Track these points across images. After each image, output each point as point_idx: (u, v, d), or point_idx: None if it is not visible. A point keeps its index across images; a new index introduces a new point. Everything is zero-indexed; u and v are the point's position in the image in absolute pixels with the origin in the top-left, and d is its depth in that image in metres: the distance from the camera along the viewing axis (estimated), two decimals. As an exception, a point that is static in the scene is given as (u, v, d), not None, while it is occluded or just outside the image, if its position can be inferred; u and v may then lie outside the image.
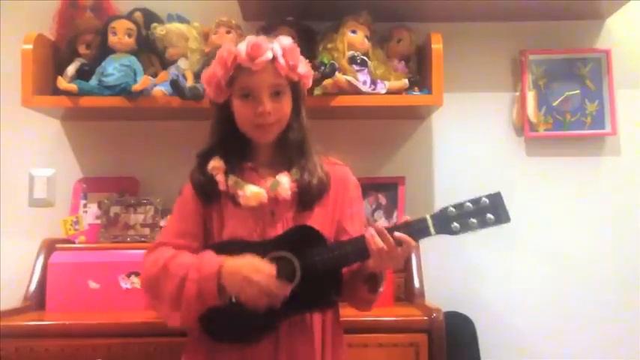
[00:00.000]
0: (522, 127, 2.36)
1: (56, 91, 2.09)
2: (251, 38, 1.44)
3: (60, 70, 2.15)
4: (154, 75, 2.14)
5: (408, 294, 2.15)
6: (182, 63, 2.17)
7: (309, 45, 2.17)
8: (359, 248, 1.36)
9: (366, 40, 2.15)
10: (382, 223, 2.23)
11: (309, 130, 1.54)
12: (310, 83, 1.57)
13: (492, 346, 2.22)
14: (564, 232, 2.34)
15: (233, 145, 1.51)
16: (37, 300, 2.07)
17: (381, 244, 1.32)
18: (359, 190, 1.59)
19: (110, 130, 2.35)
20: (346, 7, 2.13)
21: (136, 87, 2.05)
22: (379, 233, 1.33)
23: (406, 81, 2.13)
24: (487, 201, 1.35)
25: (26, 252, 2.21)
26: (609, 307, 2.31)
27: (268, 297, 1.33)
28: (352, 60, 2.11)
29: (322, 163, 1.52)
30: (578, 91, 2.38)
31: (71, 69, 2.15)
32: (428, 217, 1.35)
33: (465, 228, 1.34)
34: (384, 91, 2.10)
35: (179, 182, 2.27)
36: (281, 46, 1.46)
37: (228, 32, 2.14)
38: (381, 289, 1.44)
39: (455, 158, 2.37)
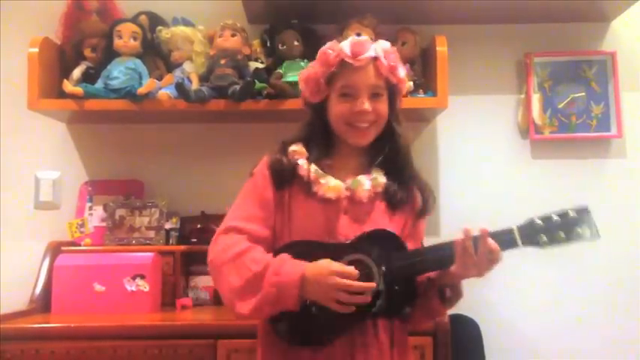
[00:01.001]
0: (527, 129, 2.36)
1: (62, 95, 2.10)
2: (355, 37, 1.45)
3: (66, 74, 2.16)
4: (160, 78, 2.15)
5: (413, 297, 2.14)
6: (187, 66, 2.18)
7: (313, 48, 2.17)
8: (443, 256, 1.34)
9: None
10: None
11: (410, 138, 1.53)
12: (405, 91, 1.56)
13: (498, 349, 2.21)
14: (570, 235, 2.33)
15: (320, 141, 1.48)
16: (43, 302, 2.08)
17: (472, 250, 1.31)
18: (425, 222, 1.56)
19: (116, 133, 2.36)
20: (351, 10, 2.14)
21: (142, 90, 2.06)
22: (474, 239, 1.31)
23: (411, 84, 2.13)
24: (575, 215, 1.34)
25: (32, 254, 2.22)
26: (615, 309, 2.30)
27: (351, 303, 1.29)
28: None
29: (418, 175, 1.50)
30: (583, 94, 2.37)
31: (77, 72, 2.16)
32: (515, 228, 1.35)
33: (554, 241, 1.34)
34: (388, 94, 2.10)
35: (184, 185, 2.33)
36: (382, 47, 1.46)
37: (233, 35, 2.15)
38: (455, 301, 1.41)
39: (460, 161, 2.36)
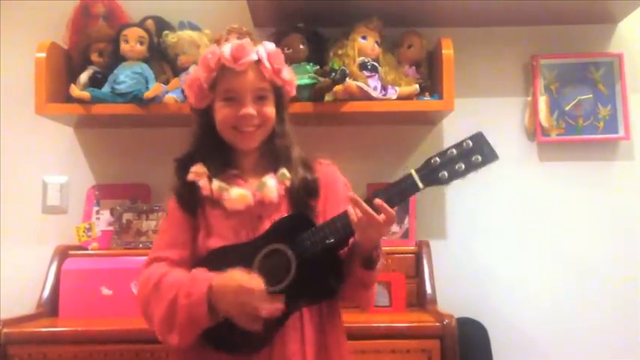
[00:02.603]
0: (534, 132, 2.35)
1: (69, 99, 2.11)
2: (235, 41, 1.44)
3: (73, 78, 2.17)
4: (166, 82, 2.16)
5: (420, 300, 2.14)
6: (193, 70, 2.18)
7: (319, 51, 2.18)
8: (342, 224, 1.31)
9: (376, 45, 2.16)
10: (393, 228, 2.21)
11: (294, 136, 1.51)
12: (294, 91, 1.54)
13: (505, 353, 2.21)
14: (577, 237, 2.33)
15: (215, 152, 1.47)
16: (51, 306, 2.08)
17: (359, 213, 1.27)
18: (348, 188, 1.53)
19: (122, 137, 2.36)
20: (356, 13, 2.14)
21: (148, 94, 2.06)
22: (355, 203, 1.29)
23: (417, 86, 2.13)
24: (470, 143, 1.31)
25: (39, 258, 2.22)
26: (623, 312, 2.28)
27: (260, 314, 1.28)
28: (363, 66, 2.11)
29: (309, 164, 1.48)
30: (590, 96, 2.36)
31: (84, 77, 2.17)
32: (412, 171, 1.30)
33: (453, 175, 1.28)
34: (394, 97, 2.10)
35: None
36: (266, 49, 1.45)
37: (239, 39, 2.14)
38: (378, 267, 1.37)
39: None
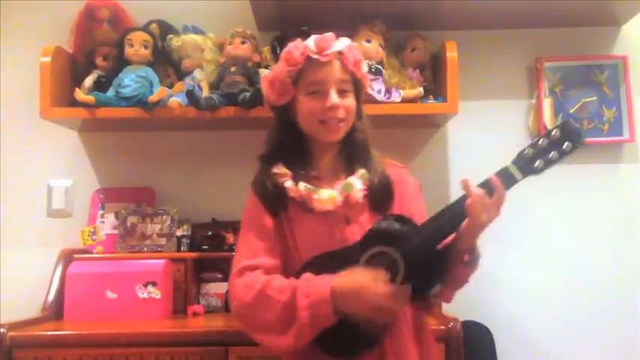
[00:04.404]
0: (539, 134, 2.35)
1: (74, 103, 2.11)
2: (316, 35, 1.45)
3: (77, 82, 2.18)
4: (170, 86, 2.16)
5: (424, 303, 2.13)
6: (198, 74, 2.19)
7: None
8: (452, 215, 1.32)
9: (380, 49, 2.16)
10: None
11: (372, 132, 1.53)
12: (368, 86, 1.56)
13: (510, 356, 2.20)
14: (583, 240, 2.32)
15: (294, 151, 1.48)
16: (56, 310, 2.09)
17: (480, 190, 1.29)
18: (419, 189, 1.56)
19: (127, 141, 2.37)
20: (360, 17, 2.14)
21: (153, 98, 2.07)
22: (482, 185, 1.31)
23: (421, 89, 2.13)
24: (558, 131, 1.33)
25: (44, 262, 2.23)
26: (630, 315, 2.28)
27: (387, 312, 1.29)
28: (367, 69, 2.11)
29: (383, 164, 1.50)
30: (595, 98, 2.36)
31: (89, 81, 2.18)
32: (509, 164, 1.34)
33: (549, 163, 1.33)
34: (399, 100, 2.10)
35: (195, 192, 2.33)
36: (346, 43, 1.47)
37: (243, 43, 2.16)
38: (477, 262, 1.38)
39: (471, 166, 2.35)
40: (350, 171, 1.47)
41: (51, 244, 2.28)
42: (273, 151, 1.50)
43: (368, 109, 2.04)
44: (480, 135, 2.36)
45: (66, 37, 2.26)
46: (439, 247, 1.37)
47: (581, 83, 2.36)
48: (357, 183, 1.44)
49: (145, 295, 2.02)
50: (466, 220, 1.31)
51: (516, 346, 2.24)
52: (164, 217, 2.24)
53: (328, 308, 1.28)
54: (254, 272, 1.40)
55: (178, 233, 2.23)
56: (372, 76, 2.10)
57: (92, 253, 2.24)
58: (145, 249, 2.22)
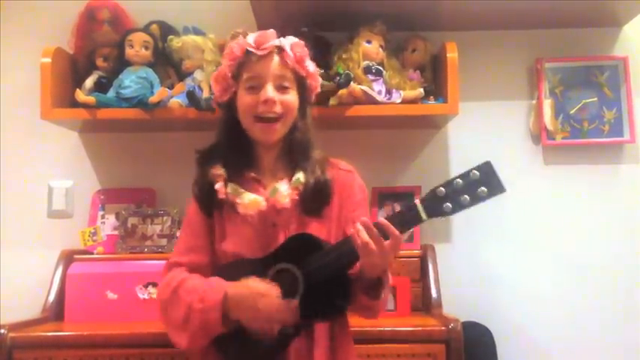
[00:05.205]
0: (539, 135, 2.35)
1: (74, 104, 2.12)
2: (259, 31, 1.46)
3: (78, 83, 2.18)
4: (171, 87, 2.16)
5: (425, 304, 2.13)
6: (198, 74, 2.19)
7: (324, 55, 2.18)
8: (345, 251, 1.30)
9: (380, 49, 2.16)
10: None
11: (315, 133, 1.51)
12: (319, 87, 1.55)
13: (511, 357, 2.20)
14: (583, 241, 2.32)
15: (236, 149, 1.49)
16: (56, 310, 2.09)
17: (366, 237, 1.25)
18: (364, 193, 1.53)
19: (127, 142, 2.37)
20: (361, 18, 2.14)
21: (153, 99, 2.07)
22: (365, 226, 1.26)
23: (421, 90, 2.13)
24: (477, 173, 1.26)
25: (45, 263, 2.23)
26: (631, 315, 2.27)
27: (277, 322, 1.31)
28: (367, 70, 2.11)
29: (325, 167, 1.47)
30: (595, 99, 2.36)
31: (89, 82, 2.18)
32: (417, 202, 1.27)
33: (458, 207, 1.25)
34: (399, 101, 2.10)
35: (196, 193, 2.33)
36: (290, 40, 1.47)
37: (243, 43, 2.16)
38: (382, 296, 1.36)
39: (471, 167, 2.35)
40: (290, 173, 1.46)
41: (51, 244, 2.28)
42: (213, 149, 1.51)
43: (368, 110, 2.07)
44: (480, 136, 2.36)
45: (66, 38, 2.27)
46: (350, 271, 1.36)
47: (581, 84, 2.36)
48: (283, 188, 1.42)
49: (146, 296, 2.02)
50: (360, 259, 1.30)
51: (517, 347, 2.24)
52: (165, 217, 2.24)
53: (217, 315, 1.30)
54: (177, 269, 1.45)
55: (179, 234, 2.22)
56: (372, 77, 2.11)
57: (93, 253, 2.24)
58: (146, 250, 2.22)
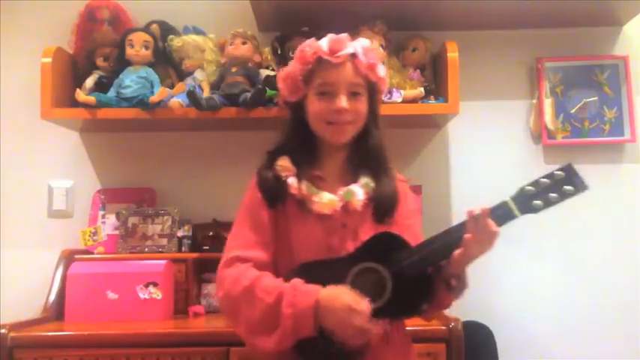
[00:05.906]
0: (540, 134, 2.35)
1: (75, 104, 2.12)
2: (332, 35, 1.43)
3: (78, 83, 2.18)
4: (171, 86, 2.16)
5: (425, 303, 2.13)
6: (198, 74, 2.19)
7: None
8: (448, 241, 1.32)
9: (381, 49, 2.15)
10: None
11: (385, 139, 1.51)
12: (386, 89, 1.55)
13: (511, 356, 2.20)
14: (584, 240, 2.32)
15: (303, 148, 1.47)
16: (56, 310, 2.09)
17: (486, 224, 1.29)
18: (416, 203, 1.55)
19: (128, 142, 2.37)
20: (361, 17, 2.14)
21: (153, 98, 2.07)
22: (483, 214, 1.30)
23: (422, 90, 2.13)
24: (562, 174, 1.33)
25: (45, 263, 2.23)
26: (631, 316, 2.27)
27: (364, 337, 1.28)
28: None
29: (395, 175, 1.49)
30: (596, 98, 2.36)
31: (89, 81, 2.18)
32: (509, 199, 1.34)
33: (547, 203, 1.32)
34: (399, 100, 2.10)
35: (196, 192, 2.33)
36: (362, 45, 1.44)
37: (244, 43, 2.16)
38: (461, 290, 1.39)
39: (472, 167, 2.36)
40: (355, 177, 1.45)
41: (52, 244, 2.28)
42: (282, 144, 1.49)
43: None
44: (481, 135, 2.36)
45: (67, 38, 2.27)
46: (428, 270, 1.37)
47: (582, 83, 2.36)
48: (359, 192, 1.42)
49: (146, 296, 2.02)
50: (459, 250, 1.31)
51: (517, 347, 2.24)
52: (165, 217, 2.24)
53: (310, 322, 1.28)
54: (244, 265, 1.39)
55: (179, 234, 2.23)
56: (372, 77, 2.11)
57: (93, 253, 2.24)
58: (146, 249, 2.22)
